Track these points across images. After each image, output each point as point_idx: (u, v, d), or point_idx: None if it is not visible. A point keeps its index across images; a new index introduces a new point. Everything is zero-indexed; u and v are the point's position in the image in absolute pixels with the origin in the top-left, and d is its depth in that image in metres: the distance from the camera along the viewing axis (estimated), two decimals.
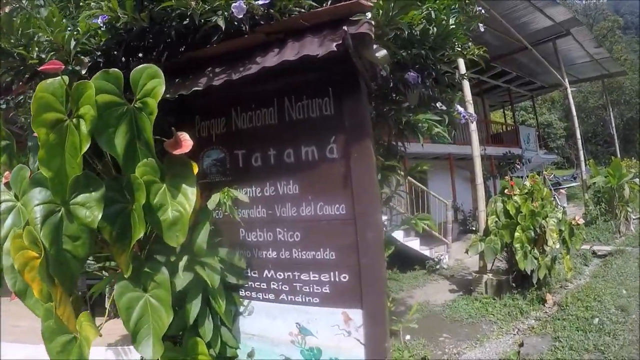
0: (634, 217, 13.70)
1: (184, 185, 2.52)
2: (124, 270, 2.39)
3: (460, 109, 3.59)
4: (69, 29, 2.60)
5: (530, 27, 14.76)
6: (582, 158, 15.97)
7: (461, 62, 9.22)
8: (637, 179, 14.19)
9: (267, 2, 2.32)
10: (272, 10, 2.43)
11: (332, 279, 2.74)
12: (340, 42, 2.22)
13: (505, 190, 8.29)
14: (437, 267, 10.98)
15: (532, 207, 7.79)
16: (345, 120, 2.67)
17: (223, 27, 2.37)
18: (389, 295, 3.63)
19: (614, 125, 22.47)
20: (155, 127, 2.41)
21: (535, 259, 7.58)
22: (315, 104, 2.81)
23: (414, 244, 11.25)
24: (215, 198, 2.72)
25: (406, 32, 2.63)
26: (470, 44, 3.58)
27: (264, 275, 3.02)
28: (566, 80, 16.13)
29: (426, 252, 11.48)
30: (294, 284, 2.91)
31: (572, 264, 8.10)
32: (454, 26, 2.98)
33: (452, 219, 14.27)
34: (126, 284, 2.43)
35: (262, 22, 2.54)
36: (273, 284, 2.99)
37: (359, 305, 2.63)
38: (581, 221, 8.09)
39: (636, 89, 46.64)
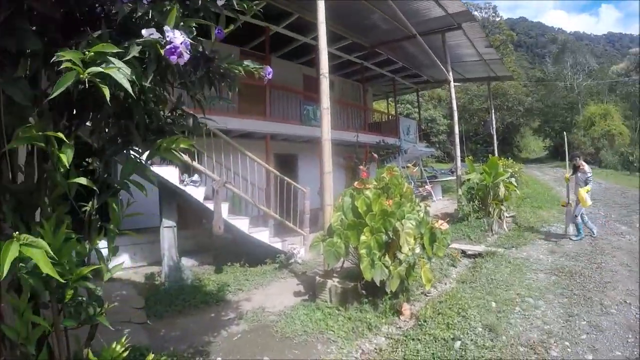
0: (507, 216, 12.69)
1: None
2: None
3: (174, 35, 2.02)
4: None
5: (420, 14, 13.34)
6: (458, 153, 14.75)
7: (322, 29, 7.26)
8: (513, 179, 13.16)
9: None
10: None
11: None
12: None
13: (355, 183, 6.42)
14: (291, 261, 9.22)
15: (385, 206, 5.99)
16: None
17: None
18: None
19: (494, 127, 21.79)
20: None
21: (386, 267, 5.81)
22: None
23: (262, 235, 9.35)
24: None
25: None
26: None
27: None
28: (450, 74, 14.85)
29: (278, 244, 9.65)
30: None
31: (432, 275, 6.40)
32: None
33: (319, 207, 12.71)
34: None
35: None
36: None
37: None
38: (445, 226, 6.32)
39: (519, 97, 49.63)
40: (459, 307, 6.25)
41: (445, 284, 7.89)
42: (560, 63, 55.10)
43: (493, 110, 24.01)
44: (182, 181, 8.17)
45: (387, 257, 5.88)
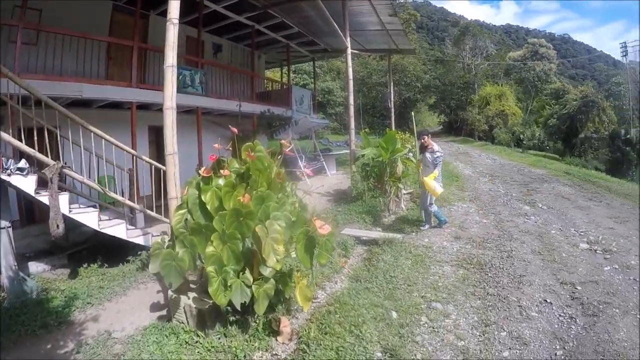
0: (405, 193, 11.44)
1: None
2: None
3: None
4: None
5: None
6: (352, 125, 13.05)
7: None
8: (411, 154, 11.83)
9: None
10: None
11: None
12: None
13: (202, 170, 4.50)
14: None
15: (239, 203, 4.14)
16: None
17: None
18: None
19: (392, 100, 20.82)
20: None
21: (248, 287, 4.01)
22: None
23: (118, 230, 7.28)
24: None
25: None
26: None
27: None
28: (348, 40, 13.09)
29: (139, 239, 7.62)
30: None
31: (311, 292, 4.67)
32: None
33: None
34: None
35: None
36: None
37: None
38: (326, 229, 4.35)
39: (417, 74, 51.12)
40: (352, 320, 4.67)
41: (336, 282, 6.32)
42: (460, 45, 56.22)
43: (392, 84, 22.96)
44: (4, 169, 5.98)
45: (248, 273, 4.07)
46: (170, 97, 4.96)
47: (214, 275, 3.93)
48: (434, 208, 8.83)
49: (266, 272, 4.02)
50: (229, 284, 3.90)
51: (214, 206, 4.15)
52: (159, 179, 7.96)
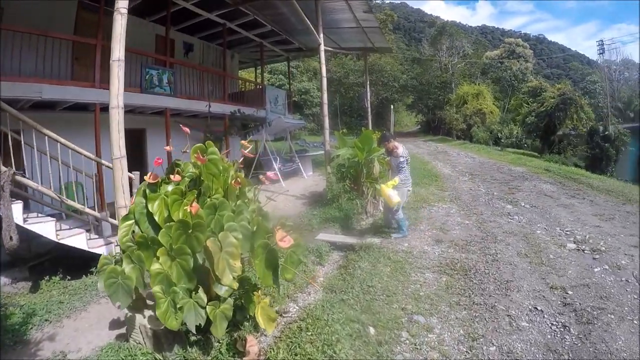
0: None
1: None
2: None
3: None
4: None
5: None
6: (326, 124, 12.62)
7: None
8: None
9: None
10: None
11: None
12: None
13: (148, 176, 3.92)
14: None
15: (188, 214, 3.59)
16: None
17: None
18: None
19: (369, 100, 20.58)
20: None
21: (202, 308, 3.51)
22: None
23: (78, 240, 6.80)
24: None
25: None
26: None
27: None
28: (322, 36, 12.64)
29: (101, 249, 7.05)
30: None
31: (275, 313, 4.17)
32: None
33: None
34: None
35: None
36: None
37: None
38: (287, 242, 3.80)
39: (395, 74, 51.76)
40: (325, 339, 4.17)
41: (310, 293, 5.84)
42: (436, 45, 56.54)
43: (368, 84, 22.69)
44: None
45: (201, 292, 3.57)
46: (116, 95, 4.48)
47: (161, 296, 3.41)
48: (400, 215, 8.19)
49: (221, 291, 3.52)
50: (179, 306, 3.40)
51: (163, 216, 3.61)
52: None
